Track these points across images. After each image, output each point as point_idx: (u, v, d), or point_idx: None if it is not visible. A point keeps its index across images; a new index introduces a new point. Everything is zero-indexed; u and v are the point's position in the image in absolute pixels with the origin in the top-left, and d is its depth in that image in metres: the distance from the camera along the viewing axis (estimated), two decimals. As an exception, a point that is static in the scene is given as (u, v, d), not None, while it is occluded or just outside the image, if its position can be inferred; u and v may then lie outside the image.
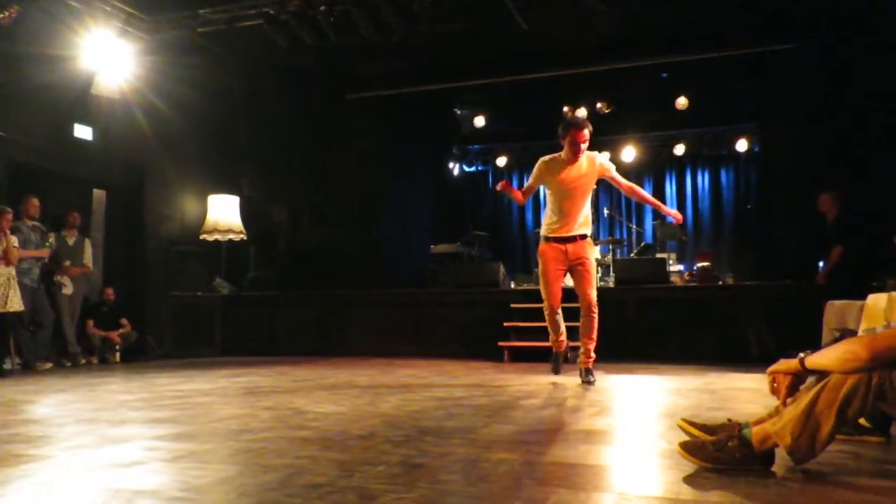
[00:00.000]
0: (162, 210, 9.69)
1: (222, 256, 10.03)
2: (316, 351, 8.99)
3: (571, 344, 5.61)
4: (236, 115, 10.65)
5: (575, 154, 5.08)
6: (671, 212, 5.48)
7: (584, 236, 5.22)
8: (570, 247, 5.19)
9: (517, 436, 3.03)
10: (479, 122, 13.39)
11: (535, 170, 5.27)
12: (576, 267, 5.21)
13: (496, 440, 2.92)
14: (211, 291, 9.75)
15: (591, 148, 5.19)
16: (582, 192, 5.19)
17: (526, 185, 5.40)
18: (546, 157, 5.26)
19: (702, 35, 9.52)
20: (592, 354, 5.27)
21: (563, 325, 5.40)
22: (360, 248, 11.23)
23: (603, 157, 5.30)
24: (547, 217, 5.34)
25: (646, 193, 5.62)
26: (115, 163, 9.06)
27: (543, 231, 5.34)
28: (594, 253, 5.42)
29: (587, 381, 5.18)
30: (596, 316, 5.22)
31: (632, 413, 3.85)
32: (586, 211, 5.28)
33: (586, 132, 5.05)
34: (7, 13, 7.06)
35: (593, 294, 5.20)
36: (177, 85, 9.17)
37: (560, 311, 5.35)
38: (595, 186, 5.58)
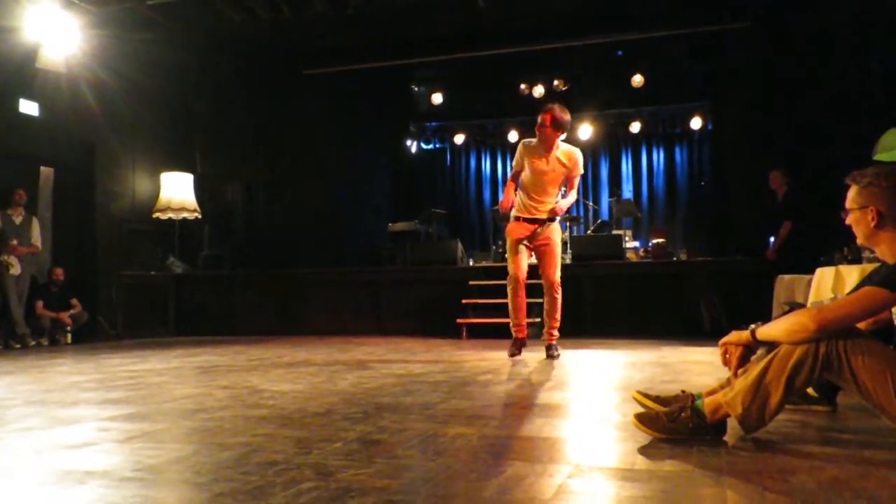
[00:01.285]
0: (112, 188, 9.45)
1: (175, 235, 9.85)
2: (272, 330, 8.92)
3: (532, 321, 5.68)
4: (189, 91, 10.41)
5: (542, 141, 5.10)
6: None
7: (552, 219, 5.28)
8: (537, 228, 5.26)
9: (474, 411, 3.04)
10: (437, 98, 13.34)
11: (516, 153, 5.31)
12: (541, 248, 5.30)
13: (453, 415, 2.93)
14: (164, 271, 9.58)
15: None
16: (551, 184, 5.25)
17: (511, 172, 5.44)
18: (526, 140, 5.31)
19: (656, 13, 9.59)
20: (555, 333, 5.36)
21: (524, 311, 5.39)
22: (317, 225, 11.14)
23: (579, 158, 5.26)
24: (518, 196, 5.35)
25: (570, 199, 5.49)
26: (63, 139, 8.80)
27: (514, 211, 5.38)
28: (559, 235, 5.45)
29: (550, 356, 5.31)
30: (559, 296, 5.30)
31: (587, 387, 3.90)
32: (556, 197, 5.32)
33: (548, 117, 5.02)
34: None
35: (555, 275, 5.27)
36: (126, 60, 8.92)
37: (523, 289, 5.35)
38: None
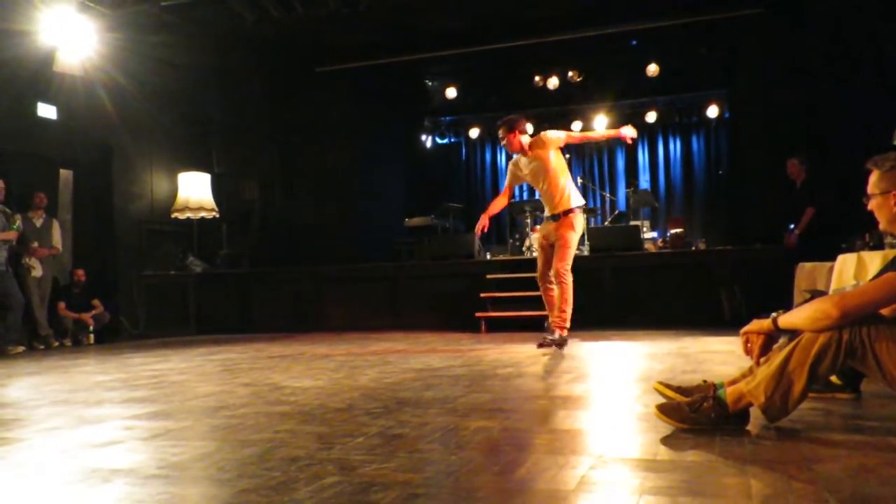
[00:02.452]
0: (130, 189, 9.53)
1: (194, 234, 9.92)
2: (291, 327, 8.96)
3: None
4: (204, 91, 10.47)
5: (514, 149, 5.51)
6: (622, 133, 5.54)
7: (567, 212, 5.34)
8: (553, 224, 5.38)
9: (495, 404, 3.04)
10: (451, 93, 13.30)
11: (507, 172, 5.75)
12: (555, 242, 5.35)
13: (474, 409, 2.93)
14: (184, 270, 9.65)
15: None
16: (542, 175, 5.41)
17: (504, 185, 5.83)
18: (512, 160, 5.70)
19: (670, 2, 9.51)
20: (560, 321, 5.28)
21: (550, 305, 5.41)
22: (333, 222, 11.16)
23: (546, 133, 5.47)
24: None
25: (596, 133, 5.69)
26: (80, 142, 8.88)
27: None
28: (579, 225, 5.43)
29: (541, 343, 5.24)
30: (564, 285, 5.27)
31: (608, 378, 3.89)
32: (562, 187, 5.38)
33: (500, 130, 5.51)
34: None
35: (559, 263, 5.27)
36: (142, 62, 8.98)
37: (544, 284, 5.42)
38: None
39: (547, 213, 5.48)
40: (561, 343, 5.25)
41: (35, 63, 7.85)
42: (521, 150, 5.45)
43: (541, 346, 5.25)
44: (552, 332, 5.31)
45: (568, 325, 5.31)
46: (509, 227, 12.14)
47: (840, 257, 4.96)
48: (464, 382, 3.75)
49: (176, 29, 9.02)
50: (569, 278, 5.28)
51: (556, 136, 5.39)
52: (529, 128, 6.05)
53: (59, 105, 8.48)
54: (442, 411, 2.87)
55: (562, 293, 5.31)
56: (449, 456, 2.13)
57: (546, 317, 5.63)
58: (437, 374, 4.15)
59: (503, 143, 5.55)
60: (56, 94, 8.35)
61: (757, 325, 2.40)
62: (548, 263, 5.39)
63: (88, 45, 8.05)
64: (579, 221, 5.43)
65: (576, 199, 5.40)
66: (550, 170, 5.35)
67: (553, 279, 5.34)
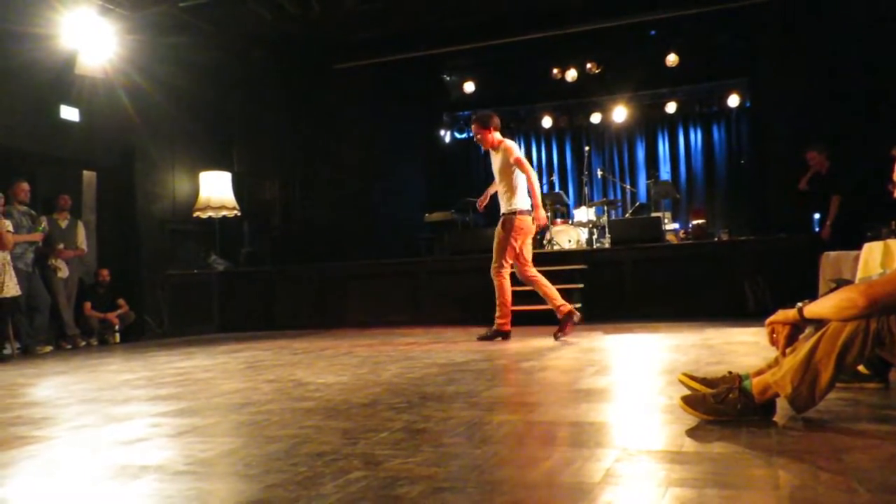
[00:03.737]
0: (153, 189, 9.62)
1: (216, 233, 10.00)
2: (314, 324, 9.01)
3: (575, 306, 5.91)
4: (223, 90, 10.53)
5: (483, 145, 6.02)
6: (539, 217, 5.90)
7: (503, 214, 5.86)
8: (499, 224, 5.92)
9: (519, 397, 3.04)
10: (469, 87, 13.30)
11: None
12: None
13: (498, 403, 2.93)
14: (206, 269, 9.74)
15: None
16: (498, 177, 5.91)
17: None
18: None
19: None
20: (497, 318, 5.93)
21: (550, 290, 5.82)
22: (353, 218, 11.20)
23: (508, 145, 5.92)
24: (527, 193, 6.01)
25: (533, 188, 5.91)
26: (103, 143, 8.98)
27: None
28: (519, 229, 5.81)
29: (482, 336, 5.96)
30: (497, 283, 5.87)
31: (631, 371, 3.87)
32: (509, 190, 5.85)
33: (473, 127, 6.01)
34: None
35: (492, 265, 5.87)
36: (161, 63, 9.06)
37: (532, 279, 5.89)
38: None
39: (502, 210, 5.90)
40: (492, 337, 5.87)
41: (57, 66, 7.95)
42: (492, 146, 5.91)
43: (481, 339, 5.90)
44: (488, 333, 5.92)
45: (502, 320, 5.91)
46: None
47: (866, 245, 4.90)
48: (486, 376, 3.75)
49: (195, 29, 9.10)
50: (503, 278, 5.84)
51: (514, 152, 5.84)
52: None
53: (82, 107, 8.58)
54: (465, 405, 2.87)
55: (496, 291, 5.89)
56: (473, 450, 2.14)
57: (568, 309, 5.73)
58: (459, 368, 4.16)
59: (477, 138, 5.96)
60: (78, 97, 8.45)
61: (782, 315, 2.37)
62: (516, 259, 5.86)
63: (109, 47, 8.13)
64: (519, 224, 5.79)
65: (521, 204, 5.82)
66: (503, 178, 5.85)
67: (521, 276, 5.89)
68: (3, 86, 7.70)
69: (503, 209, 5.86)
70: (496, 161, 5.92)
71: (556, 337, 5.63)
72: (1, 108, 7.71)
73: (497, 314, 5.93)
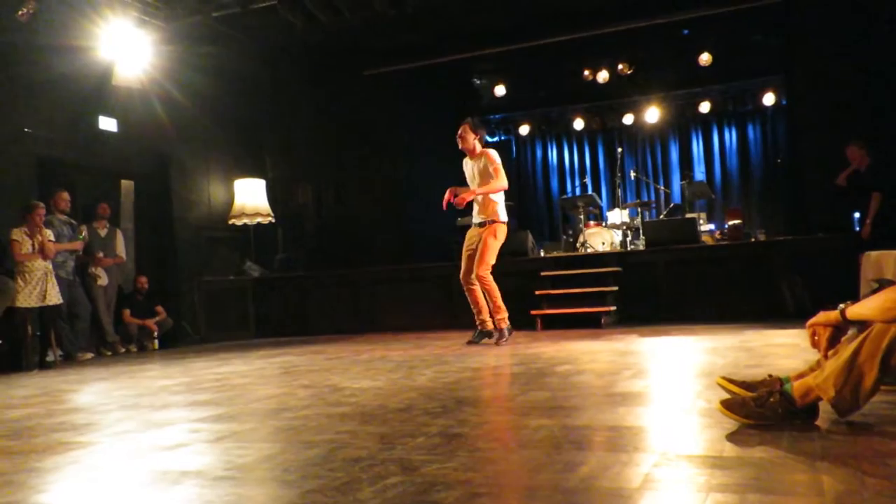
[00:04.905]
0: (189, 197, 9.77)
1: (251, 239, 10.11)
2: (348, 329, 9.06)
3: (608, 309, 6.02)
4: (256, 98, 10.66)
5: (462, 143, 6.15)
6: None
7: (493, 221, 6.02)
8: (478, 231, 6.12)
9: (554, 402, 3.02)
10: (500, 91, 13.26)
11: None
12: (478, 246, 6.04)
13: (534, 407, 2.92)
14: (242, 275, 9.85)
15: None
16: (483, 181, 6.01)
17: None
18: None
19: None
20: (500, 321, 6.05)
21: (495, 302, 6.07)
22: (386, 223, 11.24)
23: (490, 152, 6.05)
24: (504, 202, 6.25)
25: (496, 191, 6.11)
26: (139, 152, 9.14)
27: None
28: (501, 236, 6.08)
29: (471, 340, 6.11)
30: (488, 287, 6.03)
31: (668, 374, 3.83)
32: (487, 198, 6.02)
33: (462, 128, 6.14)
34: (25, 9, 7.10)
35: (479, 269, 6.01)
36: (196, 73, 9.19)
37: (470, 286, 6.11)
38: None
39: (475, 220, 6.12)
40: (500, 337, 5.97)
41: (96, 77, 8.11)
42: (471, 151, 6.09)
43: (470, 343, 6.02)
44: (484, 332, 6.06)
45: (504, 315, 6.05)
46: (562, 223, 12.06)
47: (909, 244, 4.79)
48: (521, 380, 3.74)
49: (227, 39, 9.22)
50: (490, 280, 5.99)
51: (495, 161, 5.95)
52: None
53: (119, 117, 8.74)
54: (501, 410, 2.86)
55: (489, 295, 6.01)
56: (510, 454, 2.13)
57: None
58: (494, 372, 4.15)
59: (459, 136, 6.12)
60: (115, 107, 8.62)
61: (824, 316, 2.32)
62: (470, 267, 6.04)
63: (145, 58, 8.28)
64: (502, 233, 6.04)
65: (503, 215, 6.02)
66: (487, 180, 5.95)
67: (475, 282, 6.00)
68: (43, 98, 7.88)
69: (482, 217, 6.06)
70: (476, 167, 6.09)
71: (469, 342, 6.05)
72: (41, 120, 7.89)
73: (497, 315, 6.08)
